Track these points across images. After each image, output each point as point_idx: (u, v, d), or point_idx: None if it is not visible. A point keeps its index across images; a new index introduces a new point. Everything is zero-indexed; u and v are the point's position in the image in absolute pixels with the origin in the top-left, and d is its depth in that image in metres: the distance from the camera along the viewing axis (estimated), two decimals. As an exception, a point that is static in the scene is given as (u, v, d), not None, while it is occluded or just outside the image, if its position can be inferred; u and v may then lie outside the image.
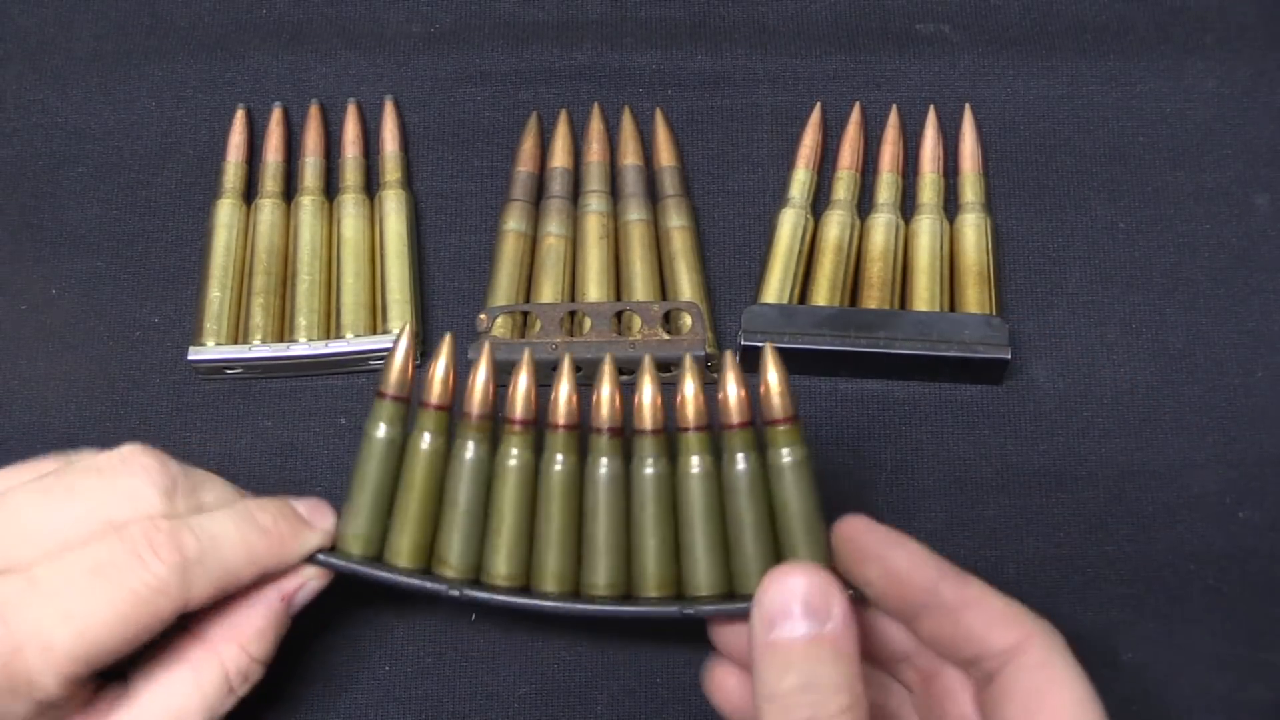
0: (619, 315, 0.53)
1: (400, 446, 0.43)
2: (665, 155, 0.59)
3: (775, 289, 0.55)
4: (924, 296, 0.55)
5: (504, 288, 0.56)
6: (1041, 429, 0.54)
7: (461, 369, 0.44)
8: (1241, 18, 0.62)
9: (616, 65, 0.62)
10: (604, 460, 0.42)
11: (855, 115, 0.59)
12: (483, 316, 0.53)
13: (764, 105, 0.61)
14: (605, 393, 0.42)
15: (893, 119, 0.59)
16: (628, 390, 0.42)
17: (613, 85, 0.61)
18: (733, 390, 0.41)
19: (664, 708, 0.49)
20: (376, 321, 0.55)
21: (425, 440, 0.43)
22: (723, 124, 0.60)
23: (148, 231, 0.59)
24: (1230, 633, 0.50)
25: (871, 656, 0.43)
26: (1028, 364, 0.55)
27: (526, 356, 0.42)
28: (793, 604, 0.38)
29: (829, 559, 0.42)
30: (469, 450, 0.42)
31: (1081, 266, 0.57)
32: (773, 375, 0.41)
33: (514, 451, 0.42)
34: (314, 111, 0.60)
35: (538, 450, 0.43)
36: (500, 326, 0.53)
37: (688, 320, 0.53)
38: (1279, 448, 0.53)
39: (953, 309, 0.55)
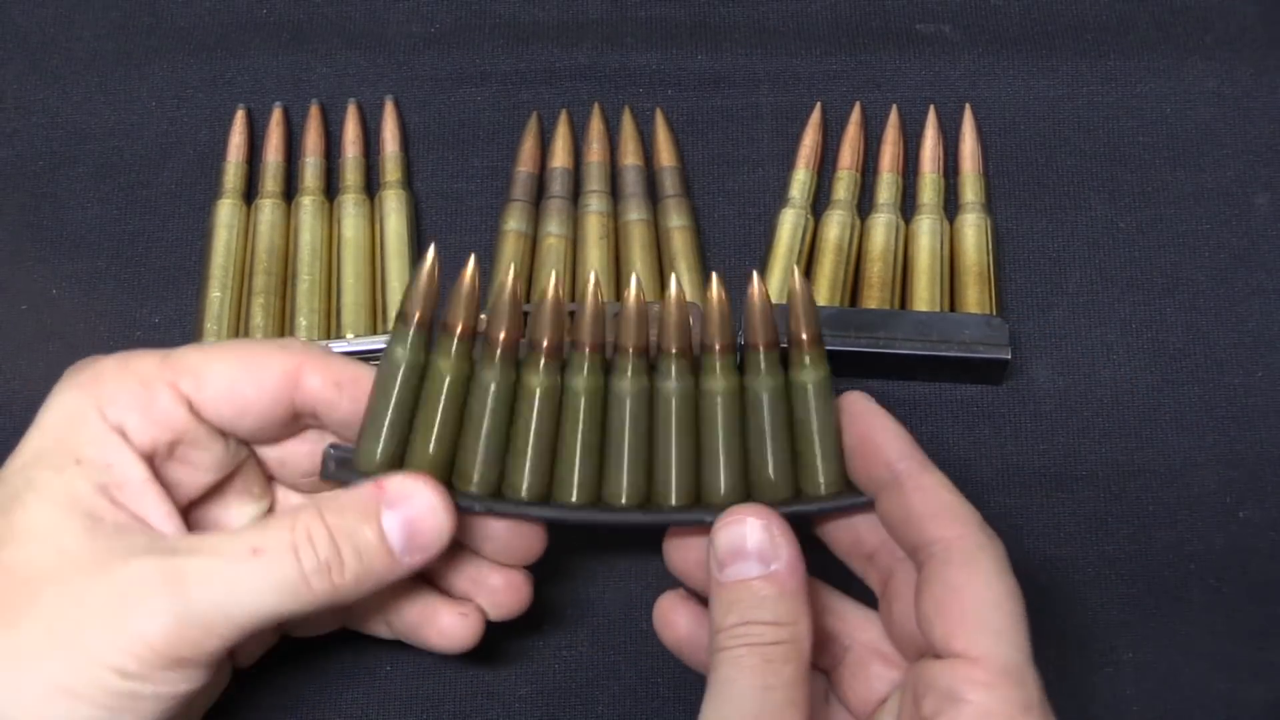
0: (619, 315, 0.53)
1: (422, 368, 0.42)
2: (665, 155, 0.59)
3: (775, 289, 0.55)
4: (924, 296, 0.55)
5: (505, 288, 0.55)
6: (1041, 429, 0.54)
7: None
8: (1241, 18, 0.62)
9: (616, 65, 0.62)
10: (627, 376, 0.42)
11: (855, 115, 0.59)
12: (484, 317, 0.53)
13: (764, 105, 0.61)
14: (632, 309, 0.42)
15: (893, 119, 0.59)
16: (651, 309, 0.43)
17: (613, 85, 0.61)
18: (759, 310, 0.42)
19: (664, 708, 0.49)
20: (377, 322, 0.55)
21: (447, 363, 0.42)
22: (723, 124, 0.60)
23: (148, 231, 0.59)
24: (1230, 633, 0.50)
25: (845, 553, 0.45)
26: (1028, 364, 0.55)
27: (554, 279, 0.42)
28: (743, 545, 0.40)
29: (843, 476, 0.43)
30: (493, 374, 0.42)
31: (1081, 266, 0.57)
32: (799, 297, 0.42)
33: (537, 373, 0.42)
34: (314, 111, 0.60)
35: (561, 368, 0.43)
36: (500, 326, 0.53)
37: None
38: (1279, 448, 0.53)
39: (953, 309, 0.55)
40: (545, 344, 0.42)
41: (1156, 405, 0.54)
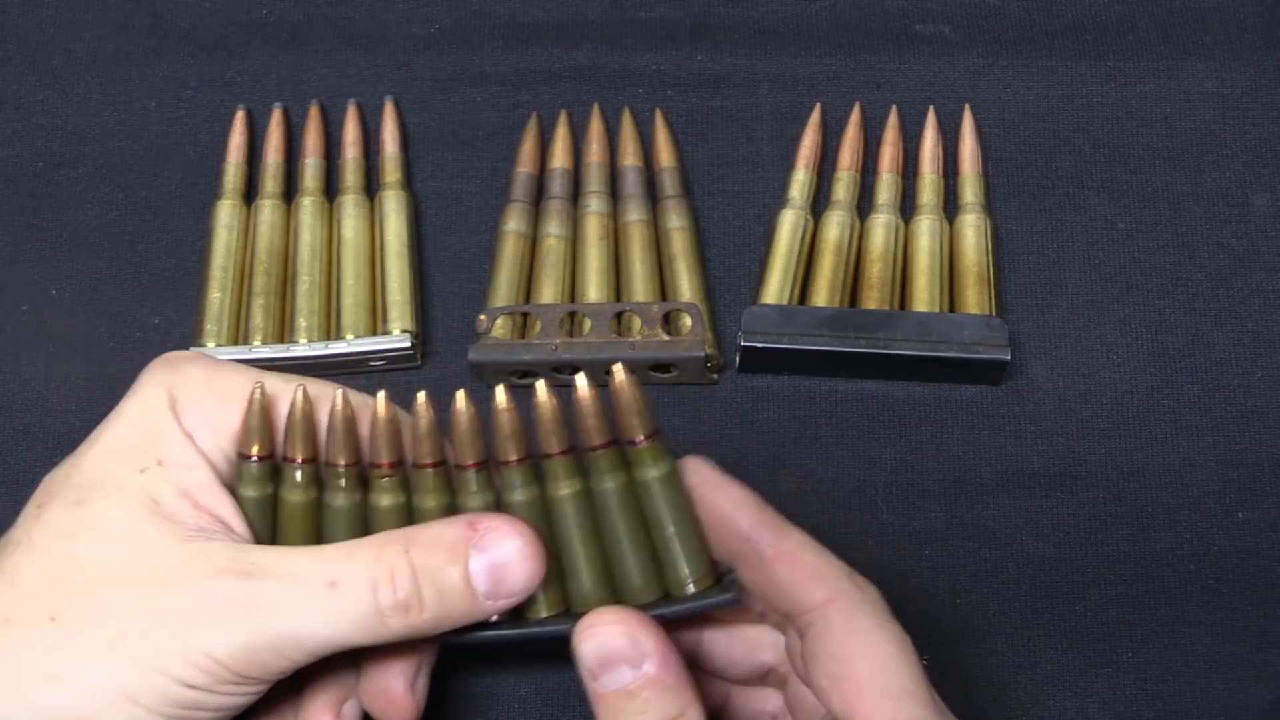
0: (619, 316, 0.53)
1: (272, 500, 0.42)
2: (665, 156, 0.59)
3: (775, 290, 0.55)
4: (923, 297, 0.55)
5: (504, 289, 0.56)
6: (1041, 429, 0.54)
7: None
8: (1241, 18, 0.62)
9: (616, 66, 0.62)
10: (473, 495, 0.40)
11: (855, 116, 0.59)
12: (483, 317, 0.53)
13: (764, 106, 0.61)
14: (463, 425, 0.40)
15: (892, 119, 0.59)
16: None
17: (613, 86, 0.61)
18: (590, 412, 0.40)
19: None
20: (377, 322, 0.55)
21: (296, 493, 0.41)
22: (722, 125, 0.60)
23: (148, 232, 0.59)
24: (1230, 633, 0.50)
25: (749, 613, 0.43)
26: (1027, 364, 0.55)
27: (382, 398, 0.40)
28: (609, 655, 0.39)
29: (708, 565, 0.41)
30: (342, 497, 0.41)
31: (1081, 267, 0.57)
32: (627, 394, 0.40)
33: (385, 497, 0.41)
34: (314, 112, 0.60)
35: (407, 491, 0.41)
36: (500, 327, 0.53)
37: (687, 321, 0.53)
38: (1279, 448, 0.53)
39: (952, 309, 0.55)
40: (385, 463, 0.40)
41: (1156, 406, 0.54)
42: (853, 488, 0.53)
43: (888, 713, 0.37)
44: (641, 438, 0.40)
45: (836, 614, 0.38)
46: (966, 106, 0.60)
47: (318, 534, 0.41)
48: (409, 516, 0.40)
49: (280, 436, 0.41)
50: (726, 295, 0.57)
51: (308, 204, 0.58)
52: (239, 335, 0.55)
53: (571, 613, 0.41)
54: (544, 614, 0.41)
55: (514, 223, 0.57)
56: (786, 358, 0.53)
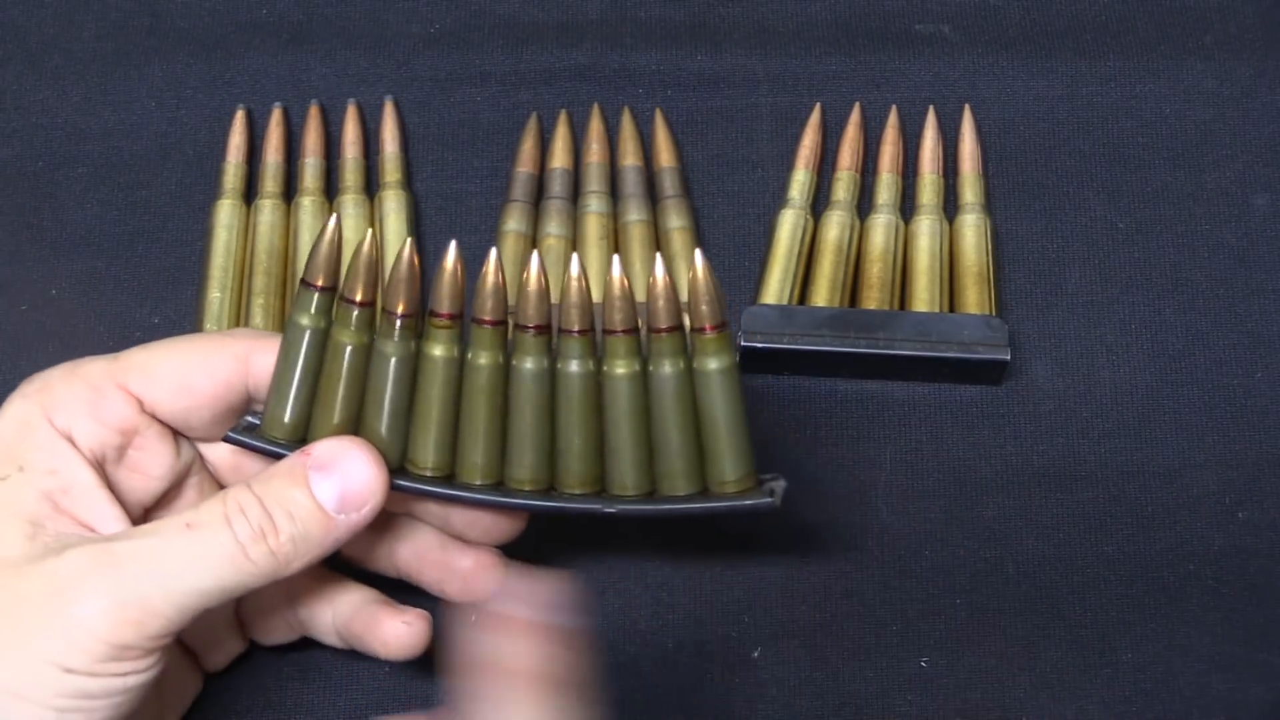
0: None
1: (324, 335, 0.42)
2: (665, 156, 0.59)
3: (775, 290, 0.55)
4: (923, 297, 0.55)
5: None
6: (1041, 429, 0.54)
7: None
8: (1241, 18, 0.62)
9: (616, 65, 0.62)
10: (529, 357, 0.41)
11: (855, 116, 0.59)
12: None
13: (764, 106, 0.61)
14: (533, 290, 0.41)
15: (892, 119, 0.59)
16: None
17: (613, 86, 0.61)
18: (662, 295, 0.41)
19: (662, 710, 0.49)
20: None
21: (347, 333, 0.42)
22: (722, 125, 0.60)
23: (148, 232, 0.59)
24: (1230, 633, 0.50)
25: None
26: (1027, 364, 0.55)
27: (453, 249, 0.41)
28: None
29: (752, 467, 0.42)
30: (392, 345, 0.41)
31: (1081, 267, 0.57)
32: (702, 282, 0.41)
33: (438, 348, 0.42)
34: (314, 112, 0.60)
35: (464, 345, 0.42)
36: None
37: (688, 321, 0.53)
38: (1279, 448, 0.53)
39: (952, 310, 0.55)
40: (444, 314, 0.41)
41: (1156, 406, 0.54)
42: (852, 488, 0.53)
43: None
44: (709, 326, 0.40)
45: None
46: (966, 106, 0.60)
47: (361, 382, 0.42)
48: (460, 371, 0.41)
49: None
50: (726, 295, 0.56)
51: (307, 204, 0.58)
52: (239, 335, 0.55)
53: (606, 493, 0.42)
54: (577, 491, 0.42)
55: (514, 223, 0.57)
56: (786, 358, 0.53)
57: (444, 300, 0.41)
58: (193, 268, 0.57)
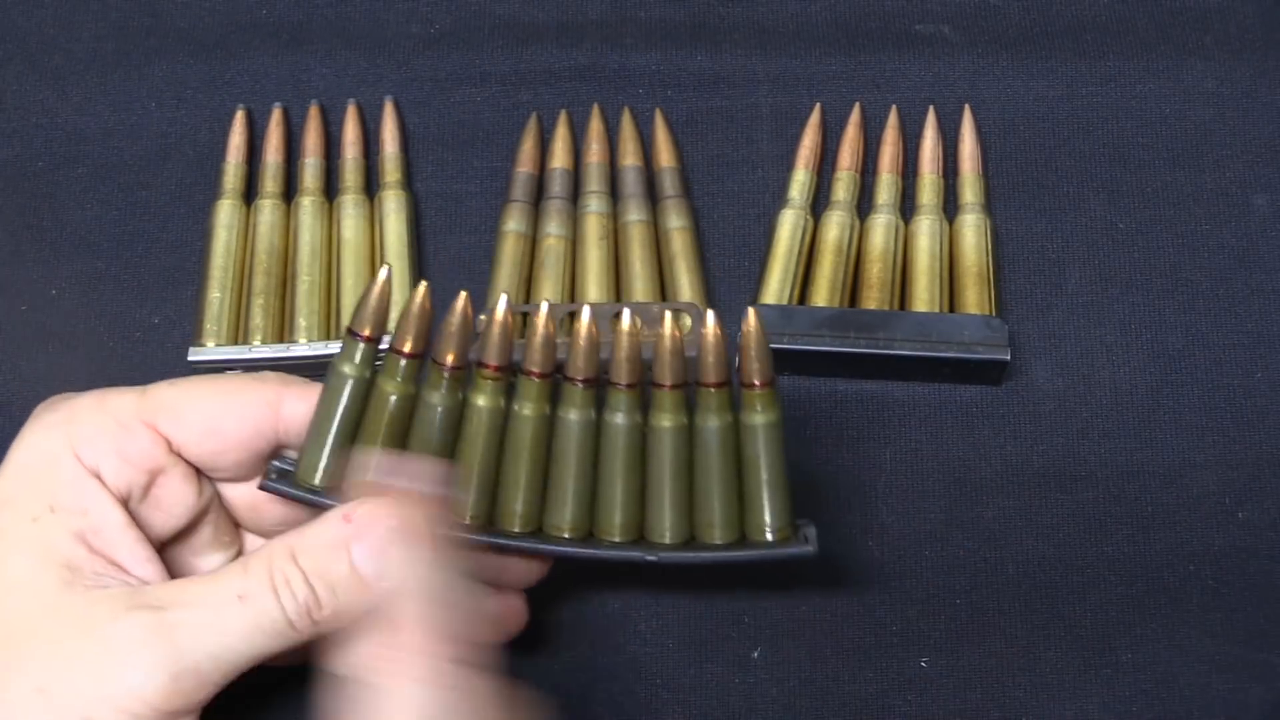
0: (619, 316, 0.53)
1: (367, 384, 0.42)
2: (665, 156, 0.59)
3: (775, 290, 0.55)
4: (923, 297, 0.55)
5: (503, 289, 0.56)
6: (1041, 429, 0.54)
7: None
8: (1241, 18, 0.62)
9: (616, 66, 0.62)
10: (574, 409, 0.42)
11: (855, 116, 0.59)
12: (483, 318, 0.53)
13: (764, 106, 0.61)
14: (583, 343, 0.41)
15: (892, 120, 0.59)
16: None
17: (613, 86, 0.61)
18: (712, 350, 0.41)
19: (662, 710, 0.49)
20: (376, 322, 0.55)
21: (393, 383, 0.42)
22: (722, 125, 0.60)
23: (148, 232, 0.59)
24: (1230, 633, 0.50)
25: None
26: (1027, 365, 0.55)
27: (504, 302, 0.41)
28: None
29: (792, 517, 0.42)
30: (439, 395, 0.42)
31: (1080, 267, 0.57)
32: (754, 337, 0.41)
33: (484, 398, 0.42)
34: (314, 112, 0.60)
35: (510, 396, 0.42)
36: (500, 327, 0.53)
37: (688, 321, 0.53)
38: (1279, 448, 0.53)
39: (952, 310, 0.55)
40: (492, 366, 0.41)
41: (1156, 406, 0.54)
42: (852, 488, 0.53)
43: None
44: (759, 383, 0.41)
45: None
46: (966, 106, 0.60)
47: (403, 432, 0.42)
48: (503, 420, 0.42)
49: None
50: (726, 295, 0.57)
51: (307, 204, 0.58)
52: (239, 335, 0.55)
53: (645, 541, 0.42)
54: (617, 539, 0.42)
55: (514, 223, 0.57)
56: (786, 358, 0.53)
57: (493, 352, 0.41)
58: (193, 268, 0.57)
